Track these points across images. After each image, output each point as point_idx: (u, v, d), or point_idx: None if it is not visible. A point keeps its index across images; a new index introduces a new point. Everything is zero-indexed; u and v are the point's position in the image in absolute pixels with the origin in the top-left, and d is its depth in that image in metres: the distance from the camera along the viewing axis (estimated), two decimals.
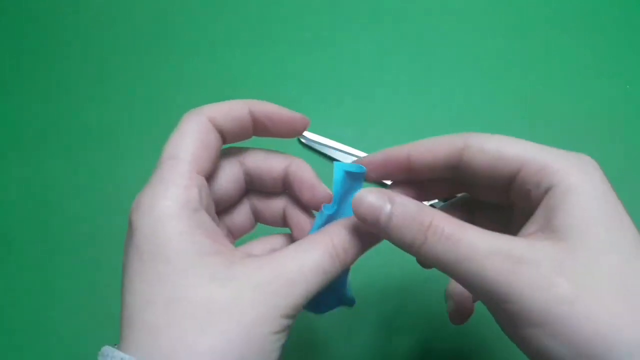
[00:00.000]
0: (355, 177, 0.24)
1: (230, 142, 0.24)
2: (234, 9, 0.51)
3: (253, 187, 0.26)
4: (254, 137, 0.25)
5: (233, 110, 0.23)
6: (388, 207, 0.20)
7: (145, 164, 0.27)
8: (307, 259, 0.21)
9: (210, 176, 0.23)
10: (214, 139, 0.22)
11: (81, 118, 0.45)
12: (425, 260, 0.20)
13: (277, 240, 0.27)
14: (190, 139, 0.22)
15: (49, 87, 0.47)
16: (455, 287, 0.29)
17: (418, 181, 0.26)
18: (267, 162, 0.25)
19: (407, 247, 0.21)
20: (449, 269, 0.20)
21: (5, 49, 0.50)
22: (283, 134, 0.24)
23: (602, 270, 0.19)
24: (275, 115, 0.24)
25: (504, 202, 0.24)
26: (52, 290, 0.39)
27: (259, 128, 0.24)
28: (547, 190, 0.21)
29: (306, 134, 0.26)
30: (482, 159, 0.23)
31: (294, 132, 0.24)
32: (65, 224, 0.41)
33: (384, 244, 0.23)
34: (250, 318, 0.19)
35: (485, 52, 0.49)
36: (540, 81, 0.47)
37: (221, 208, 0.25)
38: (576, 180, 0.21)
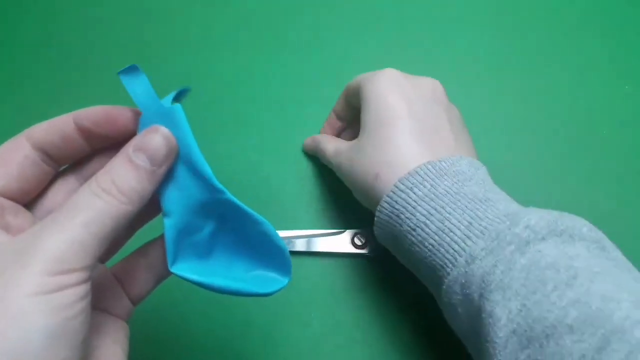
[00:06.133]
0: (134, 75, 0.22)
1: (63, 159, 0.23)
2: (235, 8, 0.51)
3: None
4: None
5: (54, 124, 0.22)
6: (310, 139, 0.42)
7: None
8: (66, 206, 0.19)
9: (20, 192, 0.22)
10: (22, 155, 0.22)
11: None
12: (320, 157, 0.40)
13: None
14: None
15: (49, 87, 0.47)
16: None
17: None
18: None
19: (314, 151, 0.41)
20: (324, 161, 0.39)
21: (5, 48, 0.50)
22: (115, 133, 0.23)
23: (332, 145, 0.38)
24: (94, 116, 0.22)
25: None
26: None
27: (90, 137, 0.23)
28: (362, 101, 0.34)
29: None
30: (345, 95, 0.40)
31: (120, 129, 0.23)
32: None
33: None
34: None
35: (484, 52, 0.49)
36: (539, 81, 0.47)
37: (29, 197, 0.23)
38: (369, 89, 0.34)
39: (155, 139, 0.21)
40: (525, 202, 0.41)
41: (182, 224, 0.23)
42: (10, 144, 0.22)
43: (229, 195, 0.23)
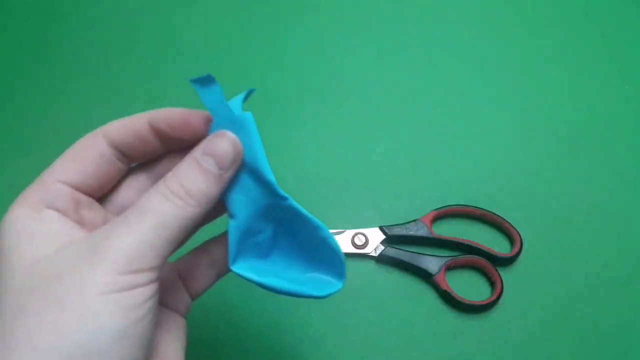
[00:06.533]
0: (208, 84, 0.22)
1: (137, 157, 0.24)
2: (235, 9, 0.51)
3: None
4: None
5: (129, 123, 0.23)
6: None
7: None
8: (136, 207, 0.20)
9: (93, 189, 0.23)
10: (97, 152, 0.22)
11: (82, 118, 0.45)
12: None
13: None
14: (70, 154, 0.22)
15: (49, 86, 0.47)
16: None
17: None
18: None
19: None
20: None
21: (5, 48, 0.50)
22: (188, 136, 0.23)
23: None
24: (170, 119, 0.22)
25: None
26: None
27: (164, 138, 0.23)
28: None
29: None
30: None
31: (194, 132, 0.23)
32: None
33: None
34: (75, 285, 0.18)
35: (485, 52, 0.49)
36: (539, 81, 0.47)
37: (102, 193, 0.24)
38: None
39: (223, 143, 0.21)
40: (525, 202, 0.41)
41: (245, 226, 0.24)
42: (86, 140, 0.22)
43: (292, 201, 0.23)
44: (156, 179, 0.23)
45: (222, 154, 0.21)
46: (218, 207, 0.23)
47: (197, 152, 0.21)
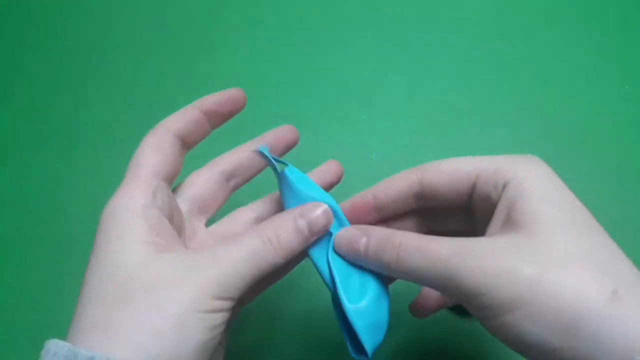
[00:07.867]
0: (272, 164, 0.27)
1: (193, 141, 0.28)
2: (235, 9, 0.51)
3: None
4: None
5: (184, 113, 0.27)
6: (364, 239, 0.25)
7: None
8: (237, 242, 0.23)
9: (172, 176, 0.26)
10: (169, 143, 0.26)
11: (81, 118, 0.45)
12: (401, 274, 0.24)
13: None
14: (148, 148, 0.25)
15: (48, 86, 0.47)
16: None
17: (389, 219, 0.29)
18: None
19: (385, 266, 0.24)
20: (423, 276, 0.23)
21: (4, 47, 0.50)
22: (233, 111, 0.28)
23: (560, 247, 0.21)
24: (217, 98, 0.27)
25: (467, 218, 0.27)
26: (54, 289, 0.39)
27: (212, 118, 0.27)
28: (504, 187, 0.24)
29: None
30: (441, 179, 0.25)
31: (237, 105, 0.28)
32: (65, 223, 0.42)
33: None
34: (176, 297, 0.21)
35: (484, 52, 0.49)
36: (539, 81, 0.47)
37: (207, 205, 0.29)
38: (527, 173, 0.23)
39: (317, 212, 0.25)
40: None
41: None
42: (156, 135, 0.26)
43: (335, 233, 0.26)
44: (217, 168, 0.29)
45: (314, 219, 0.25)
46: (286, 268, 0.28)
47: (295, 212, 0.25)
